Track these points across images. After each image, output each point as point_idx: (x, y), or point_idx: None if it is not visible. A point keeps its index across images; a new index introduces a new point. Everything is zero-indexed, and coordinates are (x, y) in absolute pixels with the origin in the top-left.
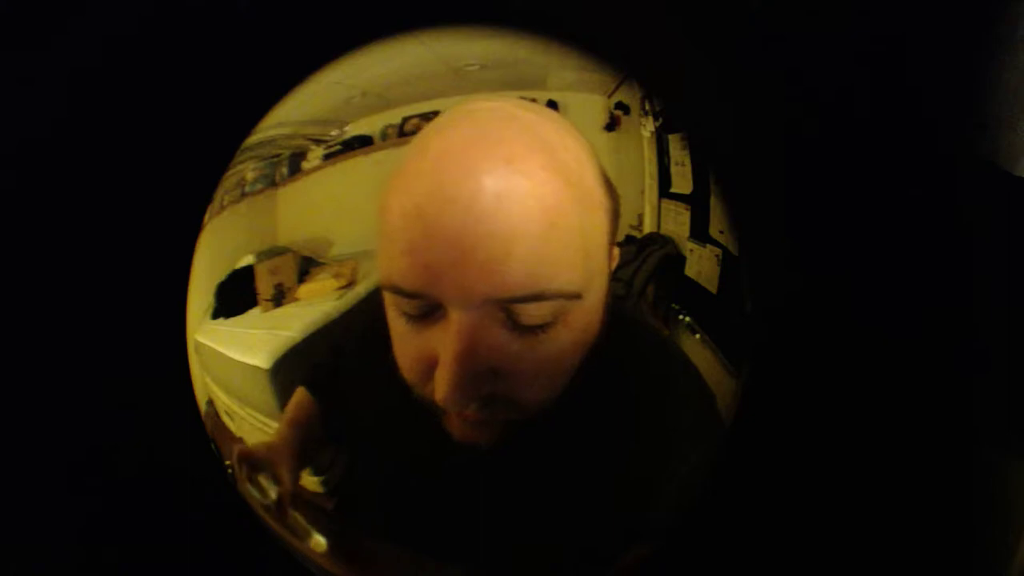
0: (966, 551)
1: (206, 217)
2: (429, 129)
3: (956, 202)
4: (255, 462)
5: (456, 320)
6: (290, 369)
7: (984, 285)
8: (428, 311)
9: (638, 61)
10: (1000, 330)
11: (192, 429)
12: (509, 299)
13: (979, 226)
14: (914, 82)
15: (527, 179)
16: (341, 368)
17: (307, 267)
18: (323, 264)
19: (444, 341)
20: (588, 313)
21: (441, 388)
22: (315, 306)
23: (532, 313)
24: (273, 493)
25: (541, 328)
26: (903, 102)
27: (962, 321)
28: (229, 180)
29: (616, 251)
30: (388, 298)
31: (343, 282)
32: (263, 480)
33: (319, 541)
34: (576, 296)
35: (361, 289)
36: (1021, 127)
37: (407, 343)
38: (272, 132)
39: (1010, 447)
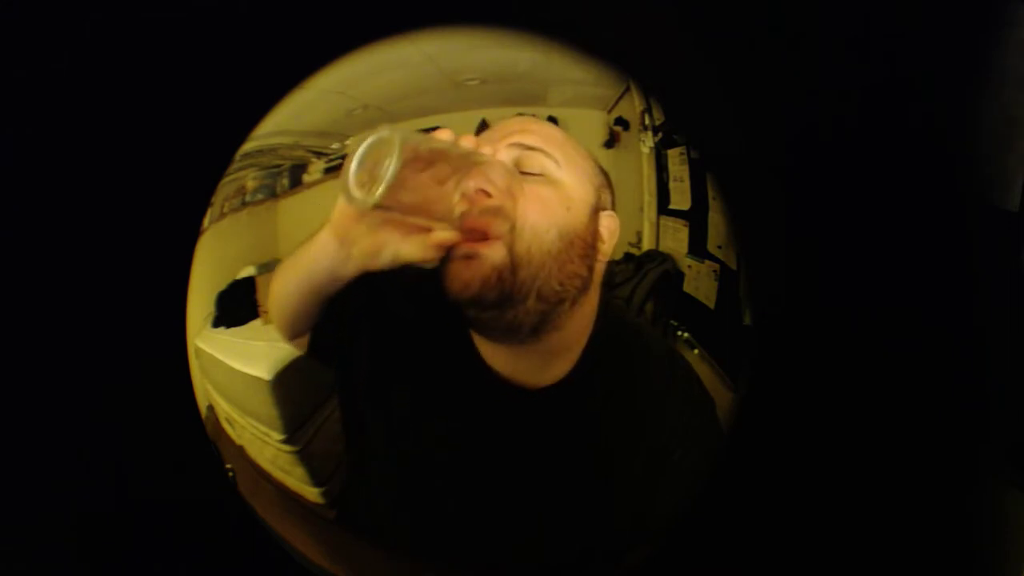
0: (967, 564)
1: (206, 221)
2: None
3: (956, 202)
4: None
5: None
6: (291, 381)
7: (984, 288)
8: None
9: (638, 61)
10: (1000, 337)
11: (193, 430)
12: (519, 144)
13: (979, 227)
14: (914, 82)
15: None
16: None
17: None
18: None
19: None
20: (568, 194)
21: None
22: None
23: (528, 162)
24: None
25: (532, 175)
26: (904, 102)
27: (962, 328)
28: (229, 186)
29: (612, 216)
30: None
31: None
32: None
33: None
34: (555, 160)
35: None
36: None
37: None
38: (272, 140)
39: (1011, 456)
